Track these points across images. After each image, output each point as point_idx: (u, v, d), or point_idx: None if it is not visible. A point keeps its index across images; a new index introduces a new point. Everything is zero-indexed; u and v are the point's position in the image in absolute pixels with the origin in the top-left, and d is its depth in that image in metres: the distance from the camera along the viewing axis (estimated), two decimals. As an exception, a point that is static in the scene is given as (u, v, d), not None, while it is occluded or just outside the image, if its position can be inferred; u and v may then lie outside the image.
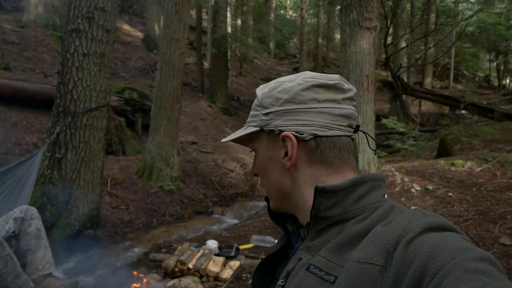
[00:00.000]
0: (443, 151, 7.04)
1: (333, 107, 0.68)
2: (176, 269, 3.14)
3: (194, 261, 3.19)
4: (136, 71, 10.94)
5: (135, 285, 3.05)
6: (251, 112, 0.73)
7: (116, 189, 5.79)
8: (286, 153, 0.68)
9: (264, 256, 0.79)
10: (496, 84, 22.70)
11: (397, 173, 5.81)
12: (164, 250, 3.89)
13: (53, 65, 8.44)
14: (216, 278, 3.13)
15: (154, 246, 4.21)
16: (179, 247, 3.47)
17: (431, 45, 13.15)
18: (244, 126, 0.75)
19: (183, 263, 3.16)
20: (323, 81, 0.68)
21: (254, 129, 0.71)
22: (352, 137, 0.71)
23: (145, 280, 2.98)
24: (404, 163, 6.73)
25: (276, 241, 0.86)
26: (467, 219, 4.26)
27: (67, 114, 4.31)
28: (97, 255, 4.23)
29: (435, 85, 18.86)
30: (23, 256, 2.67)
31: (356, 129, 0.72)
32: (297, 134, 0.67)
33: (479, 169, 5.84)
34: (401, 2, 11.65)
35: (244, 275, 3.16)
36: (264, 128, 0.70)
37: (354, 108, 0.71)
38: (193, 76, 12.56)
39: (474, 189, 5.18)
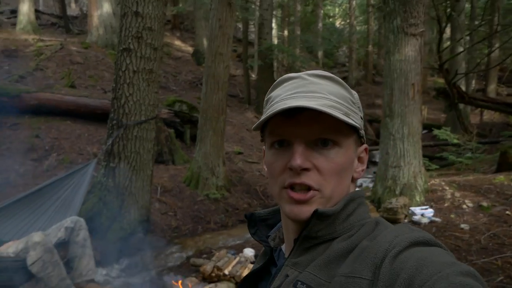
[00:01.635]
0: (504, 165, 6.47)
1: None
2: (213, 274, 3.29)
3: (230, 268, 3.32)
4: (186, 84, 11.46)
5: (174, 282, 3.23)
6: (342, 101, 0.65)
7: (165, 197, 6.10)
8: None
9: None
10: None
11: (447, 188, 5.56)
12: (204, 256, 4.06)
13: (111, 82, 9.08)
14: (251, 285, 3.22)
15: (197, 251, 4.40)
16: (217, 254, 3.62)
17: (495, 47, 12.23)
18: (333, 110, 0.62)
19: (219, 269, 3.30)
20: None
21: (356, 124, 0.66)
22: None
23: (181, 282, 3.15)
24: (457, 177, 6.39)
25: (256, 258, 0.84)
26: (525, 240, 3.96)
27: (119, 126, 4.67)
28: (146, 257, 4.51)
29: (501, 92, 17.59)
30: (71, 261, 2.96)
31: None
32: None
33: (545, 185, 5.41)
34: (458, 3, 11.03)
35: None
36: (361, 131, 0.69)
37: None
38: (240, 87, 12.89)
39: (537, 208, 4.81)
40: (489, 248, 3.86)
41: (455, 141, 7.43)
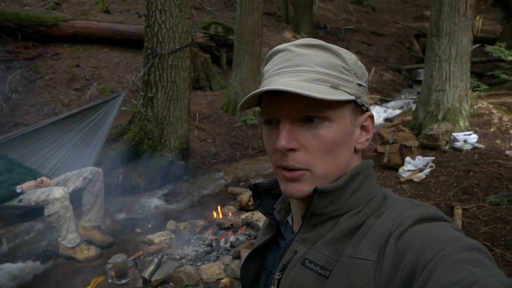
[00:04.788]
0: (561, 83, 6.03)
1: None
2: (250, 203, 3.46)
3: (266, 197, 3.47)
4: (221, 4, 10.96)
5: (214, 212, 3.45)
6: (332, 72, 0.61)
7: (203, 123, 6.26)
8: (360, 133, 0.66)
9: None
10: None
11: (495, 111, 5.25)
12: (242, 183, 4.24)
13: (145, 4, 8.91)
14: (286, 213, 3.38)
15: (235, 178, 4.60)
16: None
17: None
18: (322, 84, 0.59)
19: (255, 198, 3.46)
20: None
21: (350, 97, 0.61)
22: None
23: (221, 213, 3.36)
24: (509, 98, 6.00)
25: (261, 229, 0.82)
26: None
27: (154, 56, 4.66)
28: (187, 184, 4.79)
29: None
30: (83, 205, 3.25)
31: None
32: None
33: None
34: None
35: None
36: (357, 100, 0.63)
37: None
38: (277, 4, 12.18)
39: None
40: (534, 176, 3.72)
41: (510, 58, 6.79)
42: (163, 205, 4.19)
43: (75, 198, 3.15)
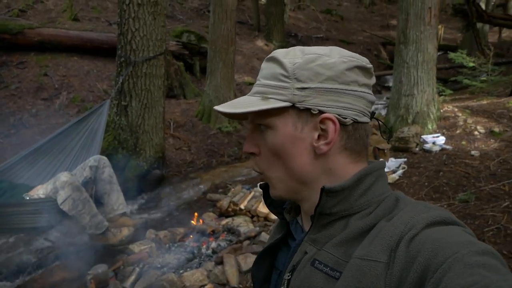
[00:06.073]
0: (520, 87, 6.40)
1: (367, 93, 0.64)
2: (230, 209, 3.47)
3: (245, 203, 3.49)
4: (193, 12, 10.98)
5: (193, 222, 3.43)
6: (269, 82, 0.63)
7: (178, 132, 6.21)
8: (318, 136, 0.62)
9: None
10: None
11: (460, 114, 5.51)
12: (220, 190, 4.23)
13: (115, 13, 8.78)
14: (266, 218, 3.41)
15: (212, 186, 4.58)
16: (232, 189, 3.77)
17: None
18: (256, 96, 0.64)
19: (235, 204, 3.47)
20: (363, 63, 0.64)
21: (283, 104, 0.61)
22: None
23: (201, 220, 3.34)
24: (471, 102, 6.31)
25: (272, 229, 0.86)
26: (533, 165, 3.99)
27: (128, 64, 4.60)
28: (164, 193, 4.72)
29: (523, 7, 16.57)
30: (100, 198, 3.10)
31: (372, 116, 0.68)
32: (340, 118, 0.61)
33: (558, 107, 5.33)
34: None
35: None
36: (297, 105, 0.61)
37: None
38: (249, 13, 12.32)
39: (548, 131, 4.79)
40: (498, 174, 3.92)
41: (471, 64, 7.17)
42: (140, 214, 4.11)
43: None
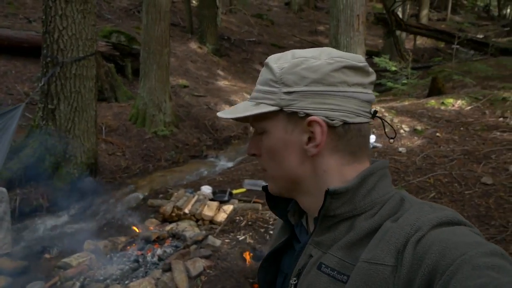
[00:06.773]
0: (435, 90, 7.01)
1: (360, 92, 0.63)
2: (173, 214, 3.36)
3: (189, 207, 3.40)
4: (122, 12, 10.53)
5: (135, 228, 3.27)
6: (262, 87, 0.65)
7: (111, 136, 5.90)
8: (309, 139, 0.63)
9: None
10: (496, 14, 22.07)
11: (386, 114, 5.91)
12: (161, 195, 4.09)
13: (35, 9, 8.12)
14: (211, 221, 3.36)
15: (152, 191, 4.41)
16: (175, 194, 3.66)
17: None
18: (251, 101, 0.67)
19: (179, 208, 3.37)
20: (353, 62, 0.63)
21: (272, 108, 0.63)
22: (370, 123, 0.67)
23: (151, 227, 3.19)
24: (395, 103, 6.81)
25: (274, 231, 0.81)
26: (452, 159, 4.38)
27: (55, 64, 4.28)
28: (98, 201, 4.45)
29: (432, 17, 18.33)
30: None
31: (374, 114, 0.67)
32: (327, 120, 0.61)
33: (468, 108, 5.94)
34: None
35: (237, 218, 3.38)
36: (285, 109, 0.62)
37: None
38: (181, 15, 12.12)
39: (462, 128, 5.30)
40: (423, 168, 4.28)
41: (394, 68, 7.77)
42: (73, 225, 3.82)
43: None
